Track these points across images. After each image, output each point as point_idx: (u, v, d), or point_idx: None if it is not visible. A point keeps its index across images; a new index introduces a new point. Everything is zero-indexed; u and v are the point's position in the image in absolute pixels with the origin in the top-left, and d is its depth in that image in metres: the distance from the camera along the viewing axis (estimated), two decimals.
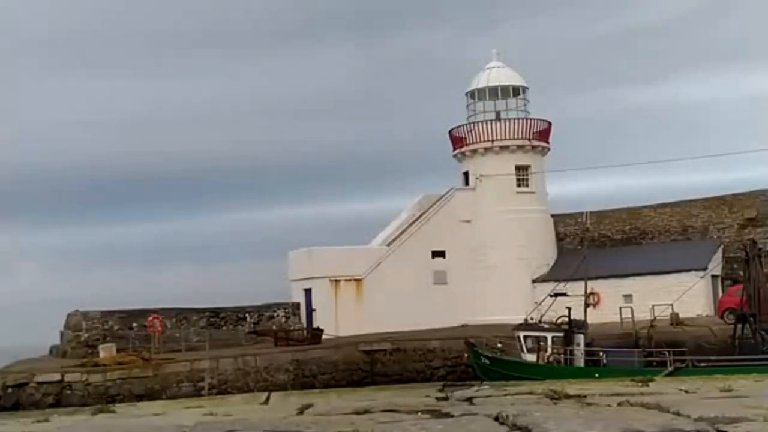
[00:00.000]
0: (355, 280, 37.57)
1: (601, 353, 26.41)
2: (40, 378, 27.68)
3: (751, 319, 26.69)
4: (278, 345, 32.73)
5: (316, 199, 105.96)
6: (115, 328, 34.81)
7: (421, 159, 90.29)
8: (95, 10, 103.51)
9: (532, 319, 28.03)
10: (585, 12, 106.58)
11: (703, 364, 24.28)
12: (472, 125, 41.37)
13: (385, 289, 37.16)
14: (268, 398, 3.30)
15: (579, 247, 39.82)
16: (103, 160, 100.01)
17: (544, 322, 27.43)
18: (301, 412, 2.68)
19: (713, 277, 36.64)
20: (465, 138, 41.38)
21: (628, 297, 36.07)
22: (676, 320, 31.85)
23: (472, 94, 42.38)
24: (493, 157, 40.44)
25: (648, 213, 42.40)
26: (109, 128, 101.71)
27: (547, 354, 26.42)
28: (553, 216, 42.20)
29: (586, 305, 28.38)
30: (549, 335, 26.57)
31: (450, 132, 42.26)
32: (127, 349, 32.08)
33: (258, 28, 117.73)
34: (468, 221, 40.05)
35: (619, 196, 68.37)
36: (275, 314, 37.91)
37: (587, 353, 26.39)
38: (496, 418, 2.18)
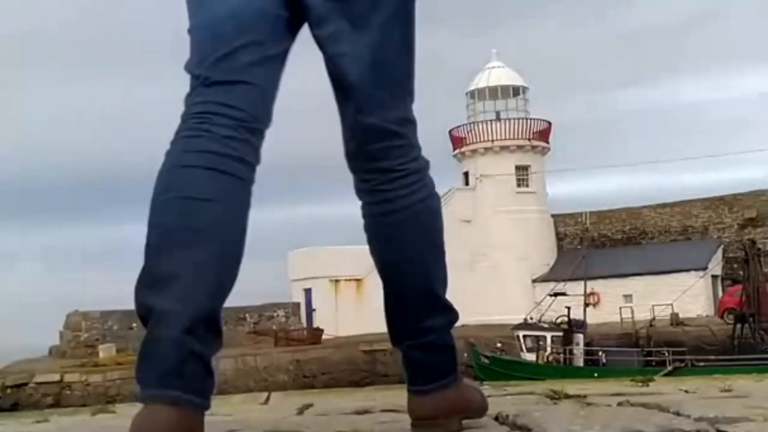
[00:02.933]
0: (355, 280, 37.58)
1: (600, 353, 26.44)
2: (39, 378, 27.66)
3: (751, 318, 26.71)
4: (278, 345, 32.74)
5: (316, 199, 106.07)
6: (115, 328, 34.80)
7: None
8: (95, 9, 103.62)
9: (531, 318, 28.06)
10: (585, 12, 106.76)
11: (702, 364, 24.29)
12: (472, 125, 41.39)
13: None
14: (268, 398, 3.30)
15: (579, 247, 39.87)
16: (103, 160, 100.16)
17: (544, 322, 27.46)
18: (301, 412, 2.68)
19: (713, 277, 36.67)
20: (465, 138, 41.41)
21: (627, 297, 36.08)
22: (675, 320, 31.87)
23: (472, 94, 42.40)
24: (493, 157, 40.46)
25: (648, 213, 42.41)
26: (109, 128, 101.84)
27: (547, 354, 26.44)
28: (553, 216, 42.23)
29: (586, 305, 28.41)
30: (548, 335, 26.59)
31: (450, 132, 42.28)
32: (127, 349, 32.07)
33: None
34: (468, 221, 40.05)
35: (619, 196, 68.49)
36: (275, 314, 37.91)
37: (587, 353, 26.41)
38: (496, 418, 2.18)
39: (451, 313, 1.95)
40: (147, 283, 1.57)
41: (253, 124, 1.69)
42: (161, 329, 1.53)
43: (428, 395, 1.95)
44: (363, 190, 1.87)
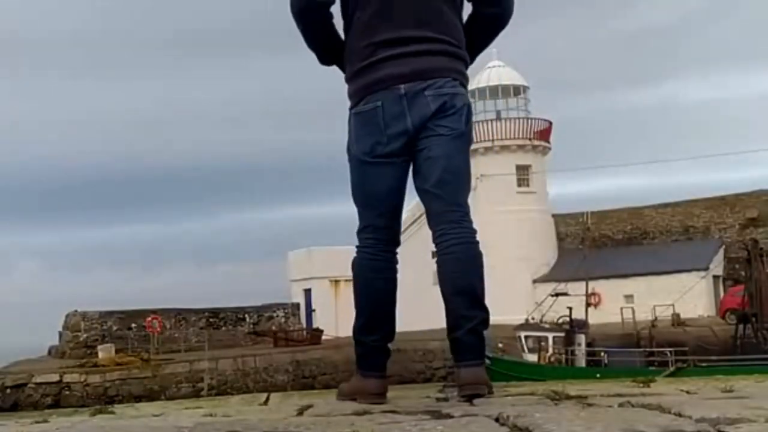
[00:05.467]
0: None
1: (602, 353, 26.41)
2: (38, 379, 27.62)
3: (753, 318, 26.65)
4: (278, 345, 32.69)
5: (316, 199, 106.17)
6: (114, 328, 34.79)
7: None
8: (95, 10, 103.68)
9: (533, 319, 28.03)
10: (586, 12, 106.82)
11: (704, 365, 24.26)
12: (472, 125, 41.41)
13: None
14: (267, 399, 3.28)
15: (580, 247, 39.81)
16: (103, 161, 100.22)
17: (545, 322, 27.43)
18: (300, 413, 2.67)
19: (714, 277, 36.64)
20: None
21: (629, 297, 36.05)
22: (677, 321, 31.83)
23: (472, 94, 42.31)
24: (493, 157, 40.44)
25: (649, 213, 42.38)
26: (109, 129, 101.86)
27: (548, 354, 26.41)
28: (553, 216, 42.20)
29: (587, 305, 28.38)
30: (550, 335, 26.56)
31: None
32: (126, 349, 32.05)
33: (258, 29, 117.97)
34: None
35: (620, 196, 68.60)
36: (275, 314, 37.88)
37: (588, 353, 26.38)
38: (497, 419, 2.17)
39: (486, 311, 3.28)
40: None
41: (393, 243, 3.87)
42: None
43: (471, 368, 3.14)
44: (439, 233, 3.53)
